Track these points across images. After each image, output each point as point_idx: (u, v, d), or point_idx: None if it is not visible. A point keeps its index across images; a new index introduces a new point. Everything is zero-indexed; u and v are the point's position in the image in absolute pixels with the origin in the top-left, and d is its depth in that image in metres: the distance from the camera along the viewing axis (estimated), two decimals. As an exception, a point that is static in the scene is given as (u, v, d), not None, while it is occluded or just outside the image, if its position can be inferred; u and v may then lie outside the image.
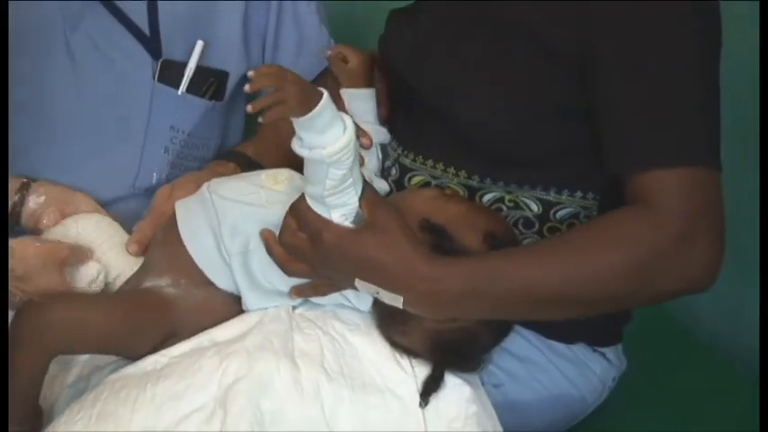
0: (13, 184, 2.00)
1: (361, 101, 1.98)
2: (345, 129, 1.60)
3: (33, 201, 1.98)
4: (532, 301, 1.67)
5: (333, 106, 1.59)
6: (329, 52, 2.03)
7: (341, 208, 1.66)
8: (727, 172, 1.66)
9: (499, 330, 1.76)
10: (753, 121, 1.93)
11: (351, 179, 1.64)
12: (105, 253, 1.88)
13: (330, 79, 2.09)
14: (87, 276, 1.82)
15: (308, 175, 1.65)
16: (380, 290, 1.67)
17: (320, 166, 1.61)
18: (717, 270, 1.64)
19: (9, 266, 1.70)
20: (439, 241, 1.70)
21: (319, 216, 1.66)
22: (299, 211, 1.69)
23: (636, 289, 1.66)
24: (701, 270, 1.64)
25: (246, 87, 1.56)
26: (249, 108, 1.55)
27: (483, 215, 1.77)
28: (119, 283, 1.85)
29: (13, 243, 1.75)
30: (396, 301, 1.66)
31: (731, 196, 1.70)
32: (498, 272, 1.65)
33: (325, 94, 1.58)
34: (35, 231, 1.96)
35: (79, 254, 1.82)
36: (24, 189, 1.99)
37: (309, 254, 1.69)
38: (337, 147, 1.59)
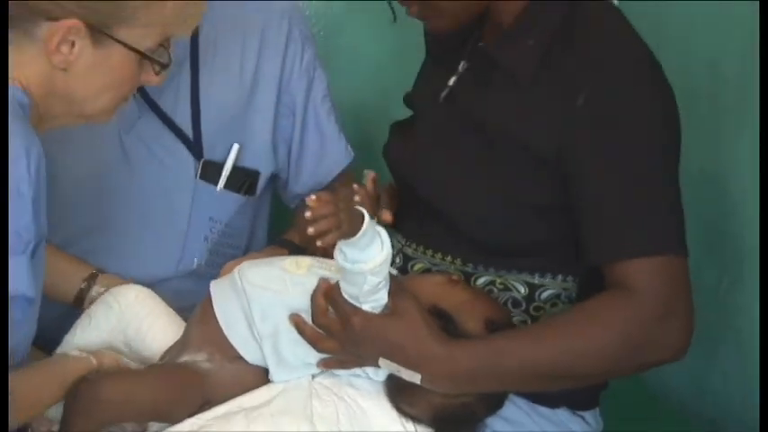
0: (82, 272, 2.02)
1: None
2: (383, 246, 1.62)
3: (96, 290, 1.99)
4: (530, 377, 1.70)
5: (374, 227, 1.62)
6: (372, 175, 1.99)
7: (372, 303, 1.69)
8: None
9: (495, 404, 1.77)
10: (753, 120, 1.84)
11: (383, 282, 1.67)
12: (151, 324, 1.87)
13: (345, 178, 2.14)
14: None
15: (347, 278, 1.67)
16: (401, 368, 1.69)
17: (360, 276, 1.64)
18: (688, 343, 1.67)
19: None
20: (445, 326, 1.70)
21: (349, 303, 1.69)
22: (332, 297, 1.71)
23: (619, 364, 1.68)
24: (676, 344, 1.67)
25: (307, 214, 1.57)
26: (311, 231, 1.57)
27: (484, 302, 1.77)
28: (161, 350, 1.85)
29: (104, 353, 1.78)
30: (414, 378, 1.67)
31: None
32: (500, 353, 1.68)
33: (367, 217, 1.60)
34: None
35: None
36: (92, 279, 2.01)
37: (339, 334, 1.71)
38: (377, 262, 1.62)
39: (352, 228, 1.58)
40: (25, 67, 1.57)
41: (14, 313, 1.51)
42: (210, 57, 2.09)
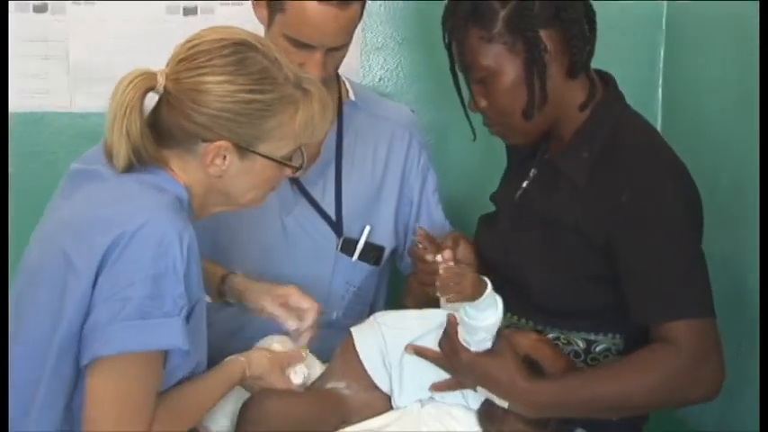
0: (218, 271, 1.97)
1: None
2: (497, 310, 1.65)
3: (228, 283, 1.94)
4: (592, 409, 1.72)
5: (493, 295, 1.64)
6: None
7: (480, 345, 1.69)
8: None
9: None
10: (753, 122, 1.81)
11: (491, 336, 1.69)
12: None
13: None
14: (297, 378, 1.79)
15: (465, 328, 1.68)
16: (494, 396, 1.70)
17: (475, 329, 1.66)
18: (719, 388, 1.68)
19: (250, 371, 1.71)
20: (533, 369, 1.71)
21: (461, 343, 1.70)
22: (449, 335, 1.72)
23: (662, 400, 1.71)
24: (710, 388, 1.69)
25: (439, 289, 1.63)
26: (444, 302, 1.62)
27: (561, 356, 1.76)
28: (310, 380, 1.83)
29: (253, 353, 1.76)
30: (503, 403, 1.69)
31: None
32: (571, 390, 1.70)
33: (489, 286, 1.63)
34: (240, 301, 1.93)
35: (296, 357, 1.80)
36: (225, 278, 1.96)
37: (451, 362, 1.72)
38: (491, 322, 1.65)
39: (474, 292, 1.61)
40: (188, 173, 1.58)
41: (174, 360, 1.53)
42: (350, 159, 2.11)
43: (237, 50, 1.55)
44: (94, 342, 1.46)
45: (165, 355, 1.52)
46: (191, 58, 1.54)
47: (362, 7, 1.97)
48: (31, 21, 2.31)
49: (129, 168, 1.55)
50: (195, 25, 2.23)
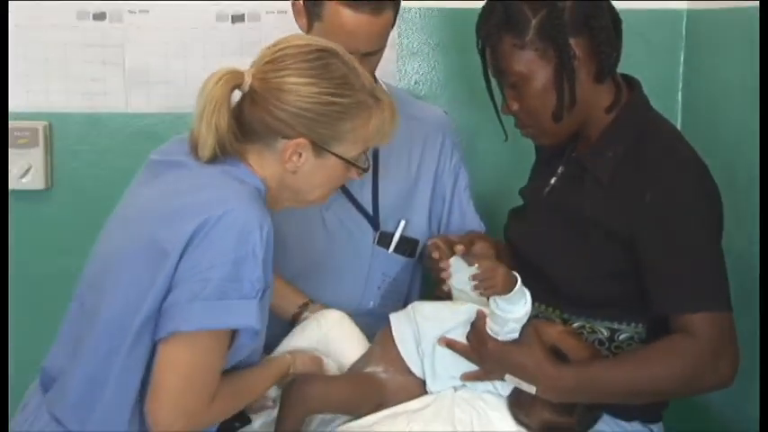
0: (300, 299, 2.00)
1: None
2: (526, 302, 1.64)
3: (305, 315, 1.97)
4: (615, 394, 1.71)
5: (522, 288, 1.63)
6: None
7: (507, 335, 1.69)
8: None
9: (590, 423, 1.75)
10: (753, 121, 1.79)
11: (519, 327, 1.68)
12: (344, 340, 1.86)
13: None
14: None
15: (494, 319, 1.67)
16: (522, 382, 1.69)
17: (504, 321, 1.65)
18: (734, 376, 1.67)
19: (293, 368, 1.73)
20: (559, 357, 1.71)
21: (488, 334, 1.70)
22: (477, 327, 1.72)
23: (681, 388, 1.70)
24: (725, 377, 1.68)
25: (472, 284, 1.64)
26: (477, 292, 1.63)
27: (587, 346, 1.75)
28: (350, 361, 1.84)
29: (298, 353, 1.78)
30: (531, 389, 1.68)
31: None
32: (594, 376, 1.69)
33: (519, 280, 1.63)
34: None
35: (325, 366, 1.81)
36: (305, 306, 1.99)
37: (479, 353, 1.72)
38: (521, 314, 1.65)
39: (505, 285, 1.61)
40: (265, 168, 1.60)
41: (244, 339, 1.54)
42: (386, 157, 2.09)
43: (321, 56, 1.56)
44: (174, 318, 1.47)
45: (233, 334, 1.53)
46: (278, 60, 1.55)
47: (395, 14, 1.96)
48: (91, 28, 2.33)
49: (212, 159, 1.56)
50: (242, 32, 2.33)
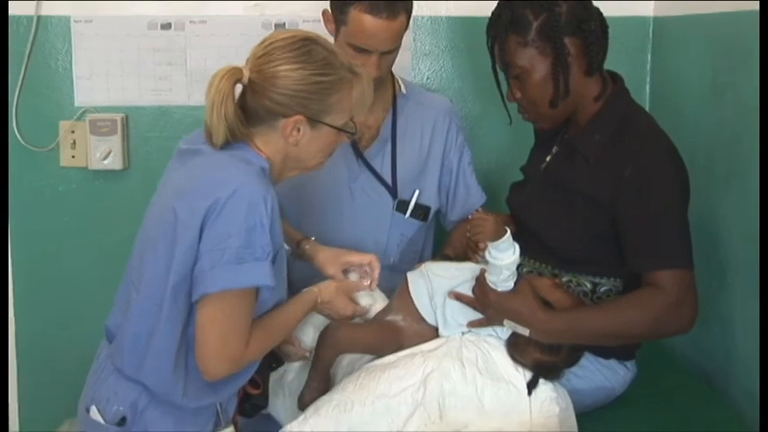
0: (297, 236, 1.91)
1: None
2: (515, 252, 1.60)
3: (302, 249, 1.88)
4: (596, 336, 1.68)
5: (511, 239, 1.60)
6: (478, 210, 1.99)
7: (504, 285, 1.66)
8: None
9: (573, 361, 1.72)
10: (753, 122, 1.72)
11: (512, 275, 1.64)
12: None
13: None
14: (363, 301, 1.78)
15: (490, 270, 1.65)
16: (517, 325, 1.66)
17: (498, 268, 1.62)
18: (693, 323, 1.66)
19: (320, 297, 1.67)
20: (547, 306, 1.67)
21: (489, 286, 1.67)
22: (480, 281, 1.69)
23: (650, 332, 1.69)
24: (687, 323, 1.66)
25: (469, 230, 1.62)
26: (471, 236, 1.64)
27: (571, 296, 1.71)
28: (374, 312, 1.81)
29: (323, 283, 1.72)
30: (525, 332, 1.66)
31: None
32: (579, 320, 1.67)
33: (509, 231, 1.61)
34: (310, 261, 1.86)
35: (359, 285, 1.79)
36: (301, 241, 1.90)
37: (482, 303, 1.69)
38: (510, 261, 1.61)
39: (492, 233, 1.61)
40: (269, 146, 1.55)
41: (263, 294, 1.52)
42: (402, 137, 2.06)
43: (304, 44, 1.52)
44: (202, 283, 1.46)
45: (256, 290, 1.51)
46: (269, 53, 1.52)
47: (408, 18, 1.91)
48: (159, 36, 2.33)
49: (224, 145, 1.53)
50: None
